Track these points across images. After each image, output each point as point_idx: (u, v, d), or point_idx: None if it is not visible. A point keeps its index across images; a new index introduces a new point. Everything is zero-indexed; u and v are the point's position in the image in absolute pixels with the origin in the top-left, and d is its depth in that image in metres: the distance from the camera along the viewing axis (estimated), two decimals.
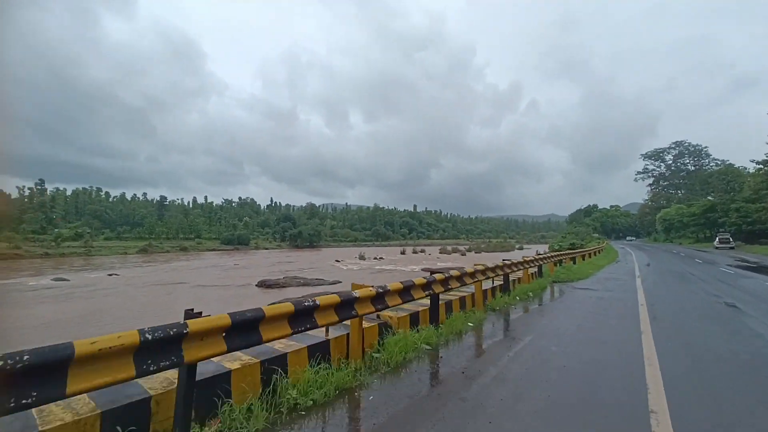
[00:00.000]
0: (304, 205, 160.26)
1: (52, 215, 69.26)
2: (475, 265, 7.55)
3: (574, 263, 17.48)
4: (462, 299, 7.37)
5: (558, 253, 15.10)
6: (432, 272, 7.00)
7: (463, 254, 70.23)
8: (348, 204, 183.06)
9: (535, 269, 11.90)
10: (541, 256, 12.05)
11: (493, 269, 7.98)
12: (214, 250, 72.24)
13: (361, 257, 53.72)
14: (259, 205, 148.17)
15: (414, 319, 5.79)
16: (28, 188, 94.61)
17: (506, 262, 8.79)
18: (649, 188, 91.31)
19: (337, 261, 47.83)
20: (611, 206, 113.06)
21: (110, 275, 29.93)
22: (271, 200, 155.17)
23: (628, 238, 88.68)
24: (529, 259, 10.72)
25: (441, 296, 6.33)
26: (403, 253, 69.31)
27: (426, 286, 5.47)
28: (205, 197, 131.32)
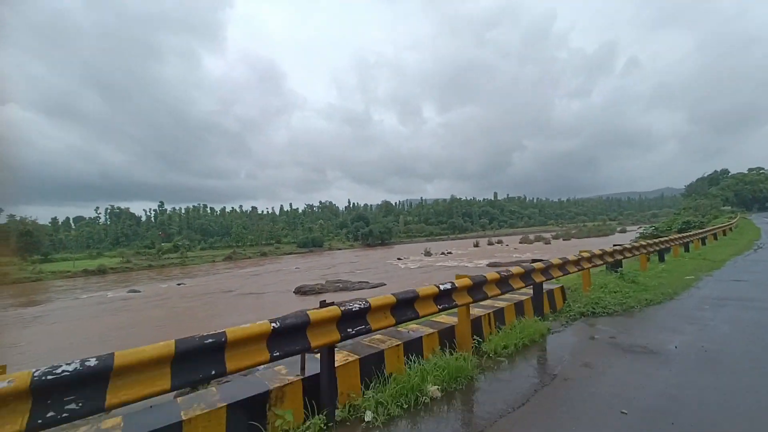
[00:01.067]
0: (380, 203, 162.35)
1: (158, 232, 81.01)
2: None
3: (662, 260, 10.88)
4: None
5: (611, 250, 7.61)
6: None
7: (548, 243, 62.12)
8: (423, 198, 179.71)
9: (532, 291, 5.56)
10: (550, 264, 5.62)
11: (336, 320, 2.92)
12: (291, 253, 76.26)
13: (427, 253, 50.77)
14: (337, 207, 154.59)
15: None
16: (152, 210, 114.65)
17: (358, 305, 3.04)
18: None
19: (399, 259, 45.59)
20: (750, 169, 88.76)
21: (178, 285, 32.36)
22: (349, 201, 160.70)
23: None
24: (482, 278, 4.30)
25: None
26: (476, 245, 64.07)
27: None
28: (290, 204, 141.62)
